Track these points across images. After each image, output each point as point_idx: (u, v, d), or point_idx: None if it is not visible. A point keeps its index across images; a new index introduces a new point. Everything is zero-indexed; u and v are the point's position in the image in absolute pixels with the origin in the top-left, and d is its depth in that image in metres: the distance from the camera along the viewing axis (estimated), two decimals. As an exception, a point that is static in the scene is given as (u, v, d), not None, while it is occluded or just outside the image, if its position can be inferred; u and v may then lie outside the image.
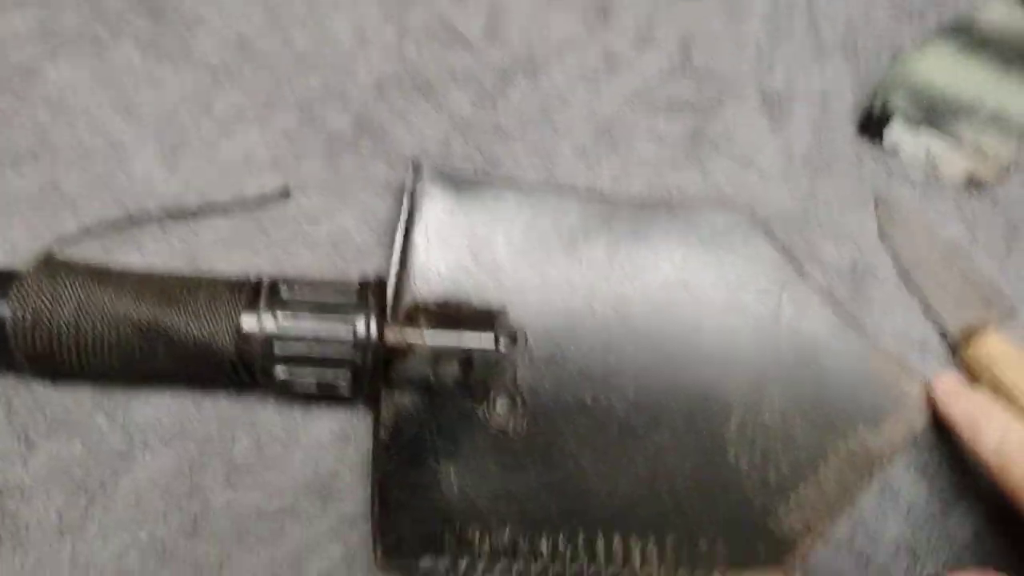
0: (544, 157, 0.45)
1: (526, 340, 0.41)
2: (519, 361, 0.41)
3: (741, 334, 0.43)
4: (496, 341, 0.37)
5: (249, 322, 0.35)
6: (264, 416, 0.39)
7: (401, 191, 0.41)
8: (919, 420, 0.42)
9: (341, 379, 0.36)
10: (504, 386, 0.41)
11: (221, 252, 0.41)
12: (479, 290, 0.41)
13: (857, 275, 0.46)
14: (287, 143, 0.44)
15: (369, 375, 0.36)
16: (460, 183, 0.42)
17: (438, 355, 0.37)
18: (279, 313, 0.35)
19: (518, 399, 0.40)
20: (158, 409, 0.39)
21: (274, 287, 0.36)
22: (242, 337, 0.35)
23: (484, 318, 0.38)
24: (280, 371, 0.36)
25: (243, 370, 0.36)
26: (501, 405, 0.40)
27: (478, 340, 0.37)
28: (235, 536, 0.37)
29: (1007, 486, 0.37)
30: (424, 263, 0.41)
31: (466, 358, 0.37)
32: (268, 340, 0.35)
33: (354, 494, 0.39)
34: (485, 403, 0.40)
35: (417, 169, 0.41)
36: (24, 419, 0.38)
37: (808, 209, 0.46)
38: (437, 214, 0.41)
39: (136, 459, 0.38)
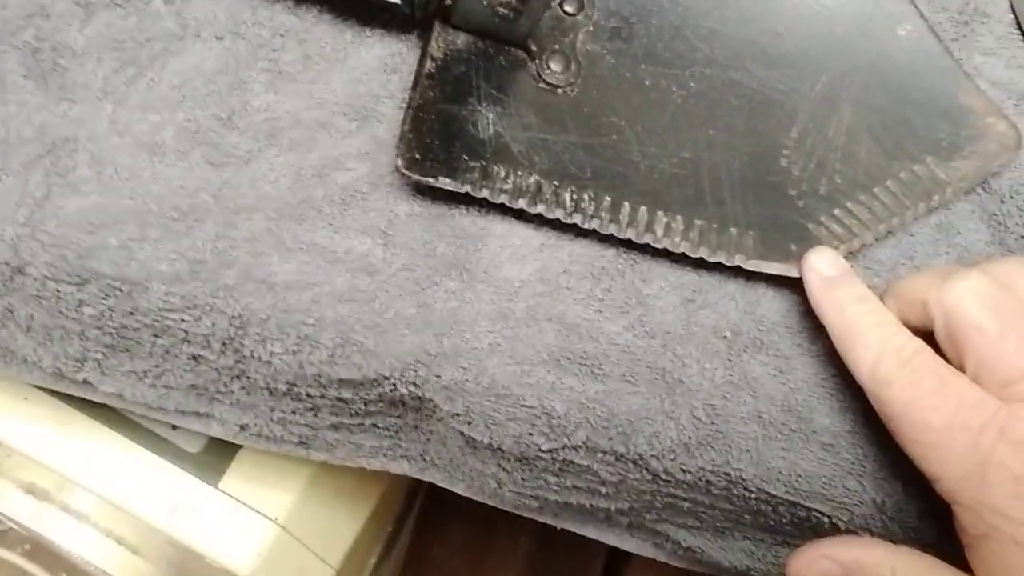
0: None
1: (594, 5, 0.39)
2: (583, 27, 0.39)
3: (822, 43, 0.40)
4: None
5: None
6: (317, 32, 0.39)
7: None
8: (997, 163, 0.39)
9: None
10: (562, 48, 0.39)
11: None
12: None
13: (967, 13, 0.42)
14: None
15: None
16: None
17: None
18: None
19: (573, 64, 0.39)
20: (216, 4, 0.39)
21: None
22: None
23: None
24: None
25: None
26: (555, 65, 0.39)
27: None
28: (268, 136, 0.38)
29: (883, 413, 0.32)
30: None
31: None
32: (324, -75, 0.34)
33: (391, 121, 0.38)
34: (539, 60, 0.39)
35: None
36: (87, -12, 0.38)
37: (926, -63, 0.43)
38: None
39: (187, 46, 0.38)
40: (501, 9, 0.37)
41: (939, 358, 0.32)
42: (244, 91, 0.38)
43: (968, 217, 0.39)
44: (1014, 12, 0.42)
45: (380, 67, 0.39)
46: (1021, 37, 0.42)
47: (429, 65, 0.38)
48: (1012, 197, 0.39)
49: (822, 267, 0.35)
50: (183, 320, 0.36)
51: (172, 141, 0.37)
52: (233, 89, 0.38)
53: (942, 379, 0.31)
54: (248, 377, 0.38)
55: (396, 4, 0.36)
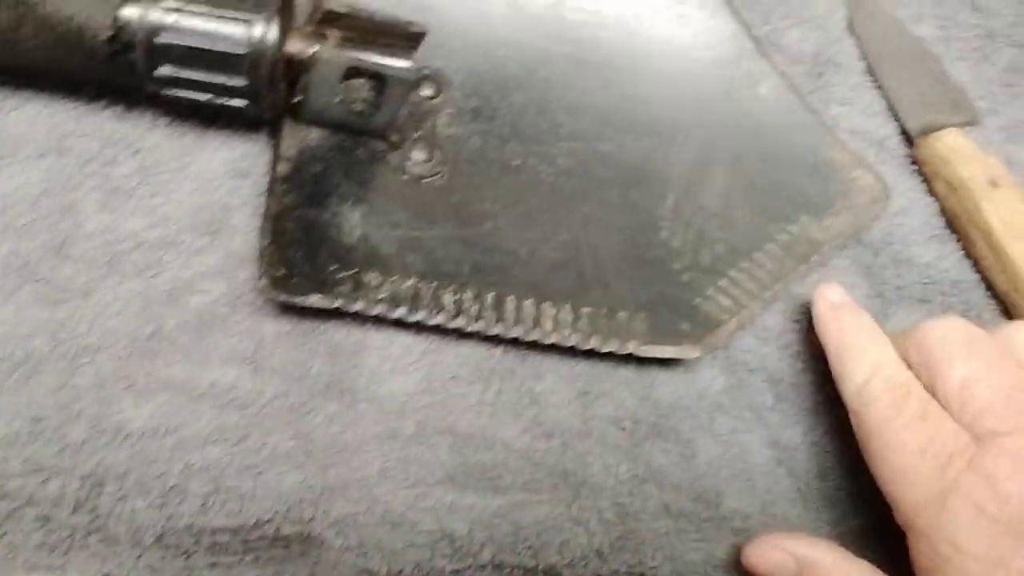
0: None
1: (450, 87, 0.37)
2: (442, 110, 0.37)
3: (688, 107, 0.39)
4: (412, 62, 0.33)
5: (131, 10, 0.31)
6: (152, 139, 0.35)
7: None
8: (868, 217, 0.39)
9: (235, 86, 0.32)
10: (423, 134, 0.37)
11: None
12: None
13: (820, 64, 0.42)
14: None
15: (267, 86, 0.32)
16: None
17: (347, 72, 0.33)
18: (167, 2, 0.31)
19: (436, 151, 0.37)
20: (34, 119, 0.35)
21: (163, -25, 0.31)
22: (121, 25, 0.31)
23: (402, 37, 0.34)
24: (166, 70, 0.31)
25: (125, 67, 0.32)
26: (418, 153, 0.36)
27: (393, 58, 0.33)
28: (107, 263, 0.34)
29: (859, 432, 0.32)
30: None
31: (378, 80, 0.33)
32: (151, 32, 0.31)
33: (246, 232, 0.35)
34: (400, 150, 0.36)
35: None
36: None
37: (775, -10, 0.42)
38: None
39: (4, 169, 0.34)
40: (356, 104, 0.34)
41: (926, 392, 0.32)
42: (75, 213, 0.34)
43: (845, 272, 0.39)
44: (865, 59, 0.43)
45: (228, 172, 0.36)
46: (872, 82, 0.42)
47: (283, 167, 0.35)
48: (884, 248, 0.39)
49: (831, 295, 0.36)
50: (26, 485, 0.32)
51: (-5, 280, 0.33)
52: (62, 212, 0.34)
53: (924, 408, 0.31)
54: (108, 531, 0.34)
55: (240, 107, 0.33)
